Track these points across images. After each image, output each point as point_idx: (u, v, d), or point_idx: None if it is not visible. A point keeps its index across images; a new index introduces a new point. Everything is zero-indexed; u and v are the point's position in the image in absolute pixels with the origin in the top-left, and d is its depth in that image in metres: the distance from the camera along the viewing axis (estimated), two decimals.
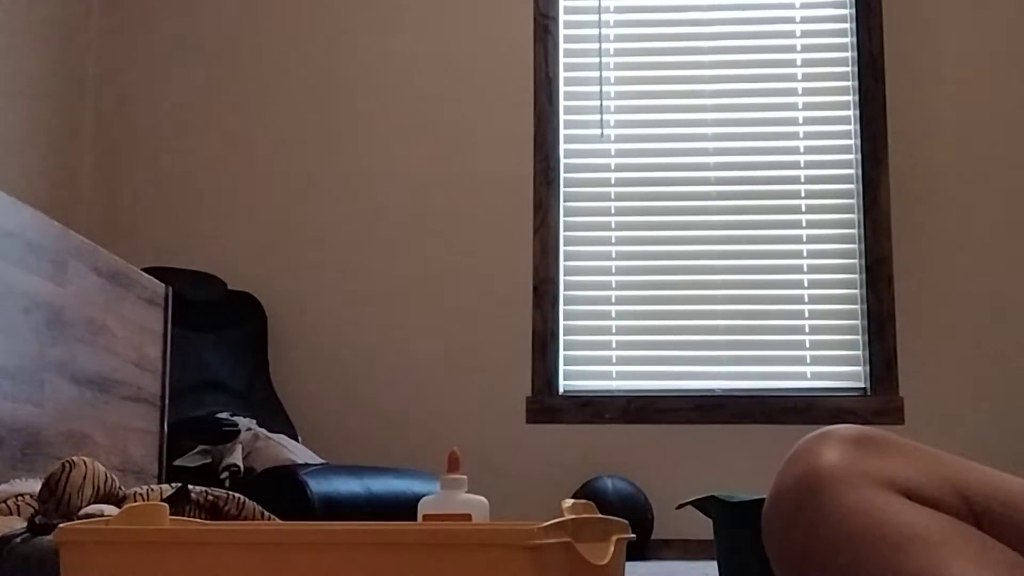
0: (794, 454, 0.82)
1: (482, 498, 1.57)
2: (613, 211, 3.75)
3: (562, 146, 3.76)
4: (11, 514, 1.60)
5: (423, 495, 1.60)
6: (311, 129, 3.80)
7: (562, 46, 3.81)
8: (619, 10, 3.84)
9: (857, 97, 3.70)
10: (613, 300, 3.71)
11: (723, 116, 3.76)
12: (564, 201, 3.74)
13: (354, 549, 0.91)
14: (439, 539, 0.91)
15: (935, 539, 0.74)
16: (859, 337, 3.62)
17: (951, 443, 3.46)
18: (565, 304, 3.69)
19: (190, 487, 1.65)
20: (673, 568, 2.93)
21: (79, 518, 1.51)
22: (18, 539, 1.43)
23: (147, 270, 2.86)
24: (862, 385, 3.60)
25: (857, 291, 3.65)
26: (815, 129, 3.73)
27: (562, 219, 3.73)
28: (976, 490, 0.79)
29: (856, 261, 3.66)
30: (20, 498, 1.63)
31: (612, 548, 1.11)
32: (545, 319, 3.65)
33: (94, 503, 1.58)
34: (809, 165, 3.72)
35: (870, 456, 0.79)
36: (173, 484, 1.71)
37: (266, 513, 1.71)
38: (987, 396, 3.54)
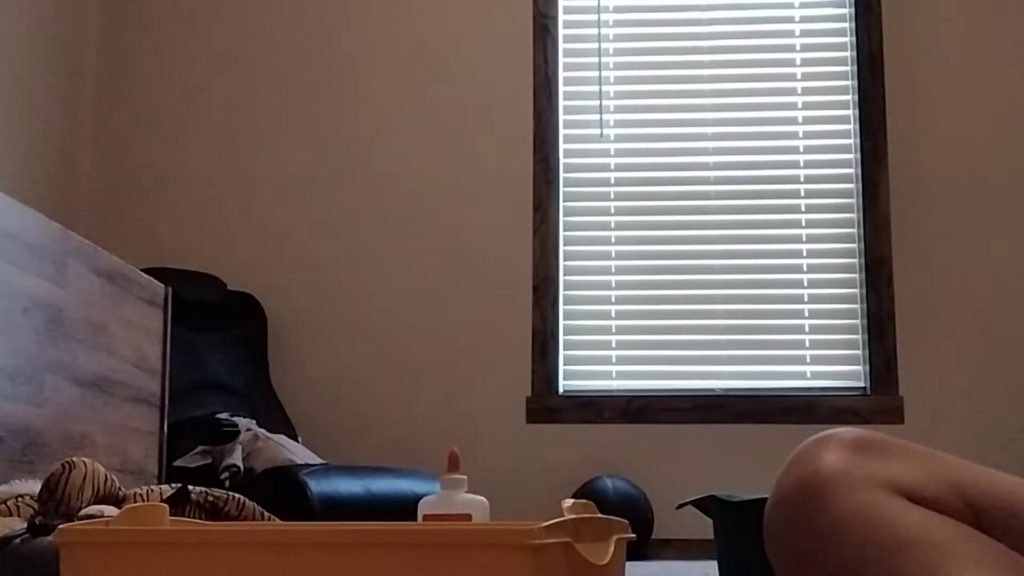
0: (794, 458, 0.82)
1: (482, 498, 1.57)
2: (613, 211, 3.75)
3: (562, 146, 3.76)
4: (11, 515, 1.60)
5: (423, 495, 1.60)
6: (310, 129, 3.80)
7: (561, 46, 3.81)
8: (618, 10, 3.84)
9: (857, 97, 3.70)
10: (613, 300, 3.71)
11: (723, 116, 3.76)
12: (564, 201, 3.74)
13: (354, 549, 0.91)
14: (439, 539, 0.91)
15: (935, 541, 0.74)
16: (859, 337, 3.62)
17: (951, 443, 3.46)
18: (565, 304, 3.69)
19: (190, 487, 1.65)
20: (673, 568, 2.93)
21: (79, 519, 1.51)
22: (18, 540, 1.43)
23: (147, 270, 2.86)
24: (862, 385, 3.60)
25: (857, 291, 3.65)
26: (815, 129, 3.73)
27: (562, 219, 3.73)
28: (976, 491, 0.79)
29: (856, 261, 3.66)
30: (20, 499, 1.63)
31: (612, 548, 1.11)
32: (545, 319, 3.65)
33: (94, 504, 1.58)
34: (809, 165, 3.72)
35: (870, 459, 0.80)
36: (173, 484, 1.71)
37: (266, 513, 1.71)
38: (987, 396, 3.54)
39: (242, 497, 1.69)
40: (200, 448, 2.89)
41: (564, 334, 3.68)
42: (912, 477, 0.79)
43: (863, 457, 0.80)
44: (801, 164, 3.72)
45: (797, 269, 3.67)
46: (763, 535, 0.82)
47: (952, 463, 0.82)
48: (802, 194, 3.71)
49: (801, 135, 3.73)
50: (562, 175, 3.75)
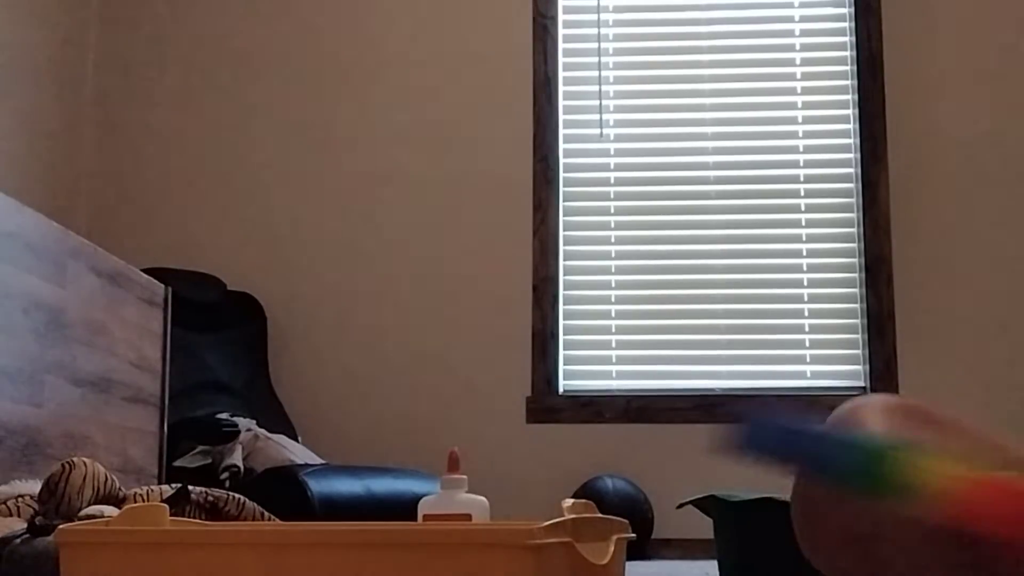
0: (832, 425, 0.80)
1: (482, 498, 1.57)
2: (612, 211, 3.75)
3: (561, 146, 3.76)
4: (11, 515, 1.60)
5: (423, 495, 1.60)
6: (310, 129, 3.80)
7: (561, 46, 3.80)
8: (618, 9, 3.84)
9: (856, 96, 3.70)
10: (613, 300, 3.71)
11: (723, 116, 3.75)
12: (563, 201, 3.74)
13: (354, 549, 0.91)
14: (439, 539, 0.91)
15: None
16: (859, 336, 3.62)
17: None
18: (565, 304, 3.69)
19: (190, 488, 1.65)
20: (673, 568, 2.93)
21: (79, 519, 1.51)
22: (18, 540, 1.43)
23: (147, 270, 2.86)
24: (862, 384, 3.60)
25: (857, 290, 3.65)
26: (814, 128, 3.73)
27: (561, 219, 3.73)
28: (1017, 456, 0.78)
29: (856, 260, 3.66)
30: (20, 499, 1.63)
31: (612, 548, 1.11)
32: (545, 319, 3.65)
33: (94, 504, 1.58)
34: (809, 164, 3.72)
35: (913, 424, 0.79)
36: (173, 485, 1.71)
37: (266, 513, 1.71)
38: (987, 395, 3.54)
39: (242, 497, 1.69)
40: (200, 448, 2.89)
41: (564, 334, 3.68)
42: (956, 441, 0.78)
43: (905, 422, 0.79)
44: (801, 164, 3.72)
45: (797, 269, 3.67)
46: (794, 517, 0.80)
47: (987, 431, 0.81)
48: (802, 194, 3.71)
49: (801, 135, 3.73)
50: (562, 175, 3.75)
